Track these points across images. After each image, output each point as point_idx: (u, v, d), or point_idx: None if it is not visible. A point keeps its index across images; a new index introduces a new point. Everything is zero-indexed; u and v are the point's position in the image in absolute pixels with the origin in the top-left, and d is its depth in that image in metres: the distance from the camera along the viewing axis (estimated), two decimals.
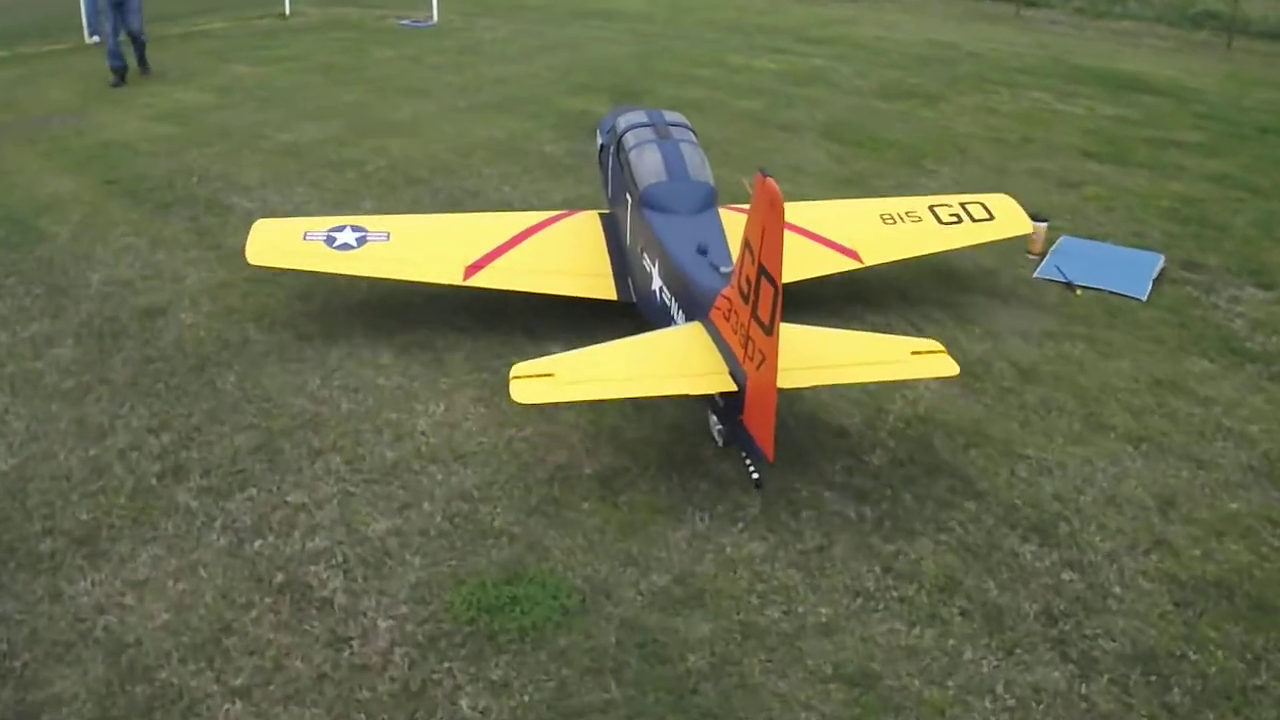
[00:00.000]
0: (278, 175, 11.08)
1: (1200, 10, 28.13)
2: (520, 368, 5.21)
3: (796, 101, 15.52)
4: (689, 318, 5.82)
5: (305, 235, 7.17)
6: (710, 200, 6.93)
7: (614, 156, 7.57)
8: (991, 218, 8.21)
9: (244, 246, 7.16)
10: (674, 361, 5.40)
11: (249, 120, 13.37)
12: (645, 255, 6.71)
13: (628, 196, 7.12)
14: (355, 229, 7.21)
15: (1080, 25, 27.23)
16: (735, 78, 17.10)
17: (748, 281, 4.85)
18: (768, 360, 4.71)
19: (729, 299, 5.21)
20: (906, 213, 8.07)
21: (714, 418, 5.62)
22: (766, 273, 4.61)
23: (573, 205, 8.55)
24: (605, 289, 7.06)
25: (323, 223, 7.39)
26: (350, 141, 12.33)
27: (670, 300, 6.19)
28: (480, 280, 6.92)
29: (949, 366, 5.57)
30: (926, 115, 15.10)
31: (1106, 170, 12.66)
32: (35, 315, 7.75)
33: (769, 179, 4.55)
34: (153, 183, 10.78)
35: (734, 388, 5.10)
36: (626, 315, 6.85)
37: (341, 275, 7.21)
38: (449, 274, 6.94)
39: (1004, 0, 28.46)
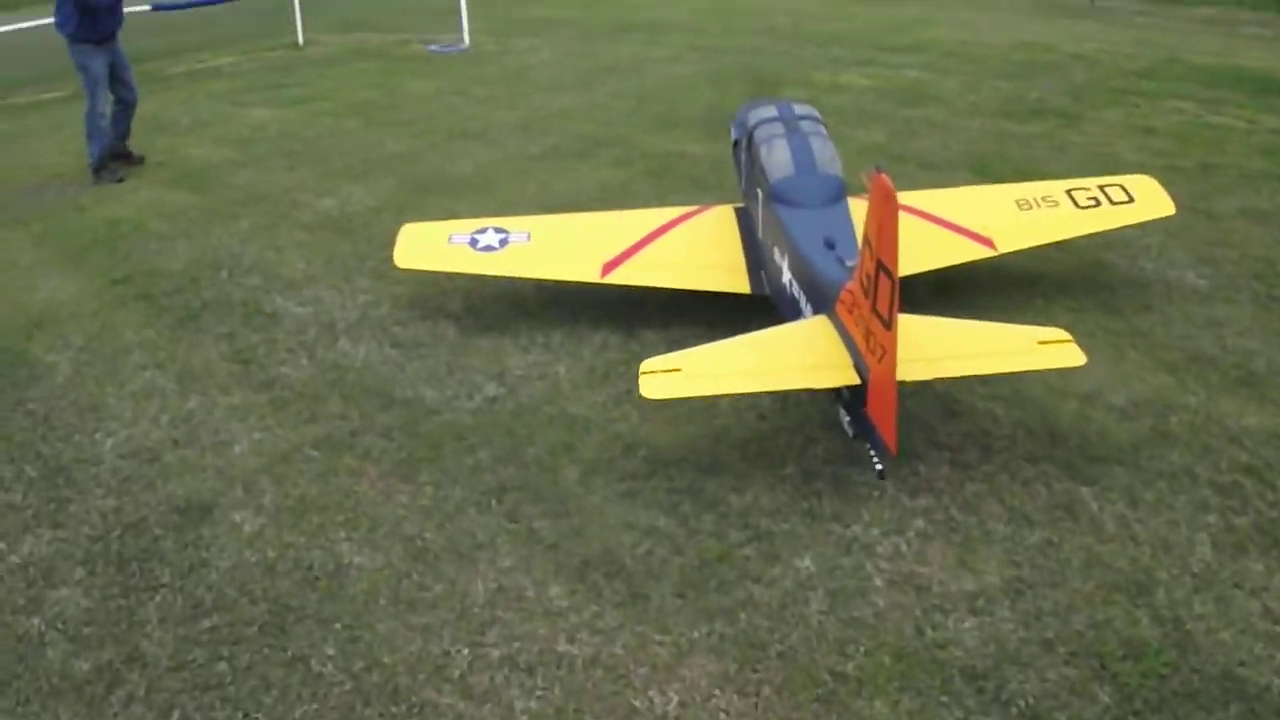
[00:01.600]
0: (330, 261, 8.75)
1: None
2: (649, 363, 5.29)
3: (918, 127, 13.18)
4: (816, 311, 5.82)
5: (451, 238, 7.37)
6: (840, 193, 6.88)
7: (746, 151, 7.56)
8: (1131, 200, 7.98)
9: (393, 263, 7.34)
10: (799, 355, 5.44)
11: (280, 182, 11.03)
12: (775, 249, 6.69)
13: (759, 191, 7.11)
14: (498, 230, 7.40)
15: (1163, 15, 24.89)
16: (832, 99, 14.69)
17: (867, 276, 4.81)
18: (888, 353, 4.70)
19: (852, 292, 5.16)
20: (1043, 197, 7.90)
21: (842, 410, 5.54)
22: (884, 267, 4.57)
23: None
24: (739, 283, 7.04)
25: (467, 225, 7.53)
26: (410, 206, 9.97)
27: (799, 293, 6.19)
28: (616, 277, 7.02)
29: (1076, 356, 5.50)
30: (1075, 139, 12.77)
31: None
32: (29, 521, 5.48)
33: (883, 174, 4.55)
34: (172, 280, 8.49)
35: (857, 381, 5.10)
36: (760, 308, 6.73)
37: (486, 275, 7.30)
38: (587, 272, 7.06)
39: None
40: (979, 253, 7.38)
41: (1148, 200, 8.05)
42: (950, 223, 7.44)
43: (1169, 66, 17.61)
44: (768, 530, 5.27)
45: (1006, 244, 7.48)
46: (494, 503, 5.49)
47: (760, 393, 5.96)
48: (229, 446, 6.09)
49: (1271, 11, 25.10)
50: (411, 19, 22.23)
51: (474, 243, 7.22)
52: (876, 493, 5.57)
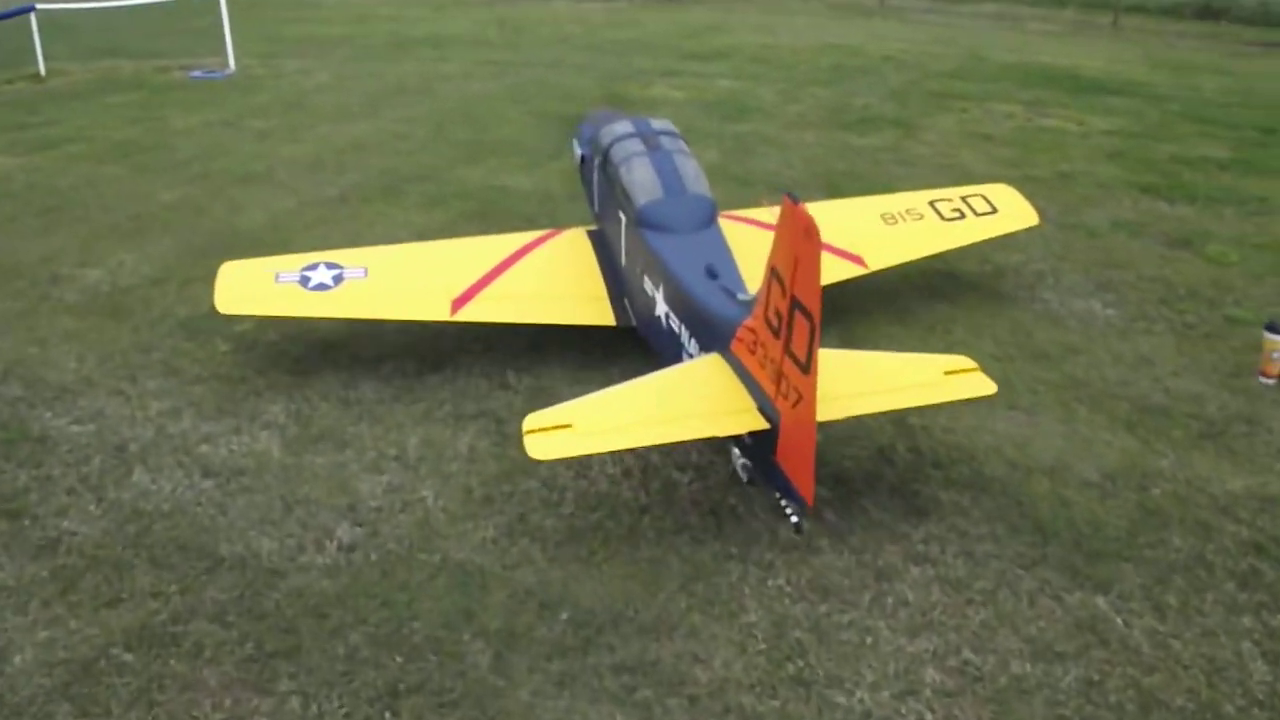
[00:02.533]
0: (106, 356, 7.10)
1: None
2: (535, 419, 4.69)
3: (751, 144, 12.27)
4: (703, 347, 5.40)
5: (278, 277, 6.56)
6: (712, 216, 6.49)
7: (599, 170, 7.08)
8: (994, 210, 7.81)
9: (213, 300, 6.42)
10: (696, 400, 4.95)
11: (33, 249, 9.15)
12: (646, 278, 6.22)
13: (620, 214, 6.65)
14: (330, 265, 6.64)
15: (951, 12, 25.02)
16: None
17: (777, 315, 4.46)
18: (805, 399, 4.32)
19: (754, 330, 4.80)
20: (907, 210, 7.65)
21: (736, 450, 5.15)
22: (802, 306, 4.22)
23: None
24: (603, 314, 6.58)
25: (295, 261, 6.73)
26: (196, 275, 8.29)
27: (679, 327, 5.74)
28: (468, 313, 6.42)
29: (985, 385, 5.26)
30: (919, 150, 12.13)
31: (1191, 212, 10.16)
32: None
33: (799, 205, 4.19)
34: None
35: (766, 425, 4.69)
36: (625, 341, 6.48)
37: (319, 318, 6.66)
38: (434, 309, 6.43)
39: None
40: (850, 271, 7.05)
41: (1010, 210, 7.90)
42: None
43: (978, 66, 17.37)
44: (757, 713, 4.04)
45: (877, 260, 7.19)
46: (387, 716, 4.05)
47: (658, 445, 5.34)
48: (4, 658, 4.43)
49: (1049, 6, 25.45)
50: (166, 41, 20.07)
51: (305, 280, 6.49)
52: (869, 638, 4.46)
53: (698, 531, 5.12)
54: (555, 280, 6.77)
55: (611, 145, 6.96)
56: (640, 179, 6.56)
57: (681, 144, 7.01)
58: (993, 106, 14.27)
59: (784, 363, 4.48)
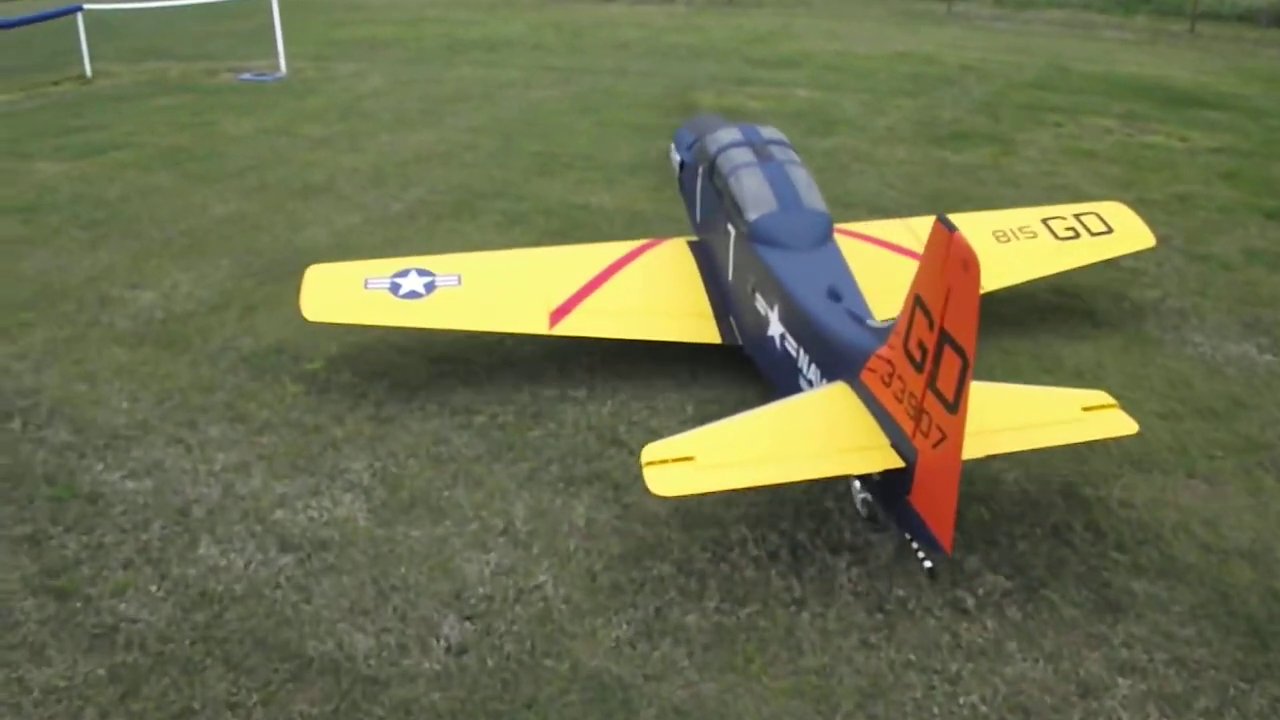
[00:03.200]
0: (164, 396, 6.39)
1: None
2: (654, 450, 4.37)
3: (844, 160, 11.46)
4: (827, 374, 5.02)
5: (367, 283, 6.21)
6: (828, 232, 6.11)
7: (705, 180, 6.74)
8: (1110, 230, 7.40)
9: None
10: (826, 434, 4.59)
11: (79, 267, 8.49)
12: (759, 295, 5.84)
13: (729, 227, 6.29)
14: (422, 272, 6.30)
15: (1018, 19, 24.14)
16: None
17: (920, 347, 4.12)
18: (949, 439, 3.97)
19: (890, 362, 4.43)
20: (1020, 228, 7.28)
21: (858, 484, 4.79)
22: (953, 341, 3.88)
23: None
24: (707, 331, 6.25)
25: (385, 266, 6.38)
26: (259, 303, 7.60)
27: (797, 350, 5.36)
28: (567, 327, 6.05)
29: (1127, 424, 4.92)
30: (1021, 168, 11.31)
31: None
32: None
33: (956, 234, 3.82)
34: None
35: (901, 464, 4.33)
36: (740, 378, 6.13)
37: (412, 328, 6.17)
38: (533, 322, 6.06)
39: None
40: None
41: (1126, 230, 7.48)
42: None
43: (1061, 77, 16.53)
44: None
45: (992, 281, 6.66)
46: None
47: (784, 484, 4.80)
48: None
49: (1119, 14, 24.56)
50: (215, 43, 19.48)
51: (395, 288, 6.16)
52: None
53: (866, 632, 4.35)
54: (657, 294, 6.46)
55: (718, 154, 6.60)
56: (752, 191, 6.19)
57: (793, 154, 6.62)
58: (1087, 120, 13.43)
59: (925, 399, 4.15)
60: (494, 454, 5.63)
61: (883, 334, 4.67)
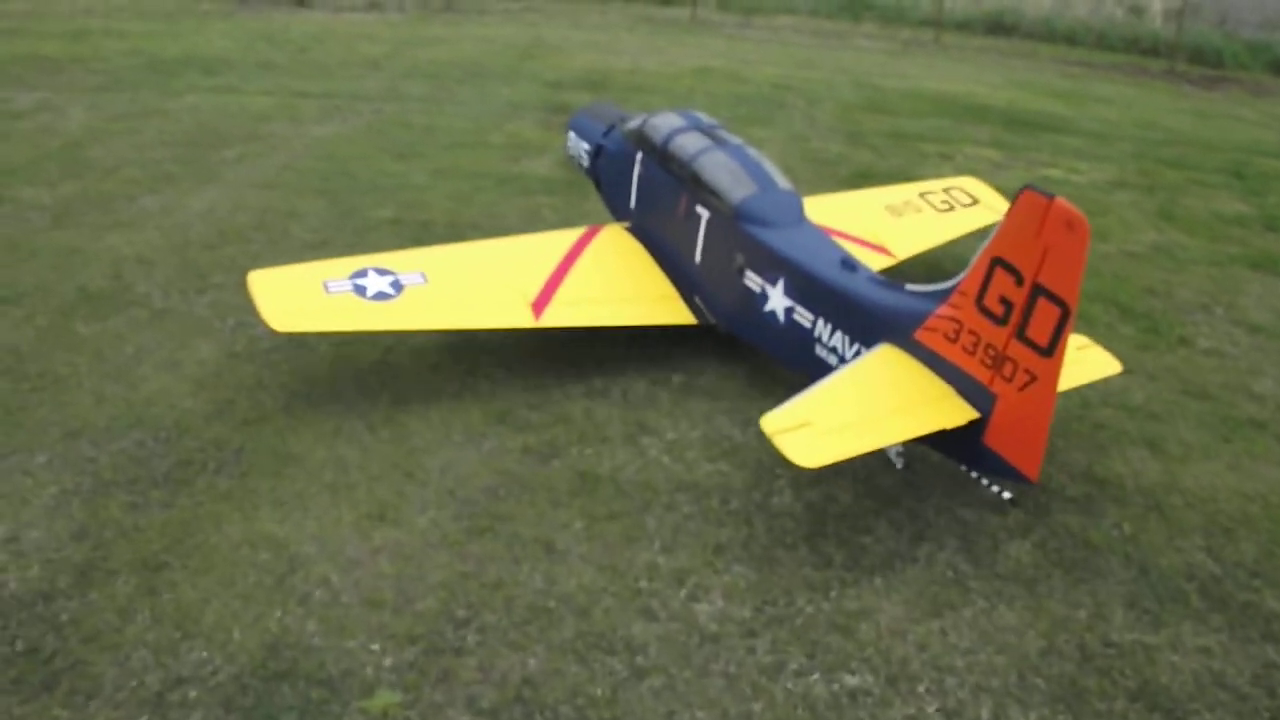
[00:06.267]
0: None
1: None
2: (773, 420, 4.48)
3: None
4: (860, 340, 5.24)
5: (327, 286, 5.74)
6: (803, 210, 6.21)
7: (650, 166, 6.72)
8: (976, 201, 7.95)
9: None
10: (902, 393, 4.81)
11: None
12: (750, 273, 5.96)
13: (699, 210, 6.30)
14: (380, 271, 5.92)
15: (756, 25, 23.19)
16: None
17: (1004, 302, 4.48)
18: (1040, 379, 4.39)
19: (956, 320, 4.74)
20: (905, 202, 7.74)
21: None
22: (1049, 293, 4.28)
23: None
24: (680, 313, 6.33)
25: (338, 267, 5.93)
26: None
27: (813, 321, 5.55)
28: (551, 318, 5.90)
29: (1110, 363, 5.47)
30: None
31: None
32: None
33: (1058, 200, 4.17)
34: None
35: (976, 415, 4.65)
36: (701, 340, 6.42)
37: (387, 332, 6.05)
38: (516, 316, 5.87)
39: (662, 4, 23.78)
40: (883, 262, 6.94)
41: (988, 200, 8.05)
42: (848, 234, 6.94)
43: (882, 97, 15.58)
44: None
45: (901, 250, 7.22)
46: None
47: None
48: None
49: (848, 19, 24.12)
50: None
51: (361, 290, 5.74)
52: None
53: None
54: (620, 281, 6.42)
55: (669, 139, 6.59)
56: (728, 174, 6.24)
57: (740, 139, 6.66)
58: (968, 151, 12.25)
59: (1010, 347, 4.48)
60: None
61: (935, 296, 4.87)
